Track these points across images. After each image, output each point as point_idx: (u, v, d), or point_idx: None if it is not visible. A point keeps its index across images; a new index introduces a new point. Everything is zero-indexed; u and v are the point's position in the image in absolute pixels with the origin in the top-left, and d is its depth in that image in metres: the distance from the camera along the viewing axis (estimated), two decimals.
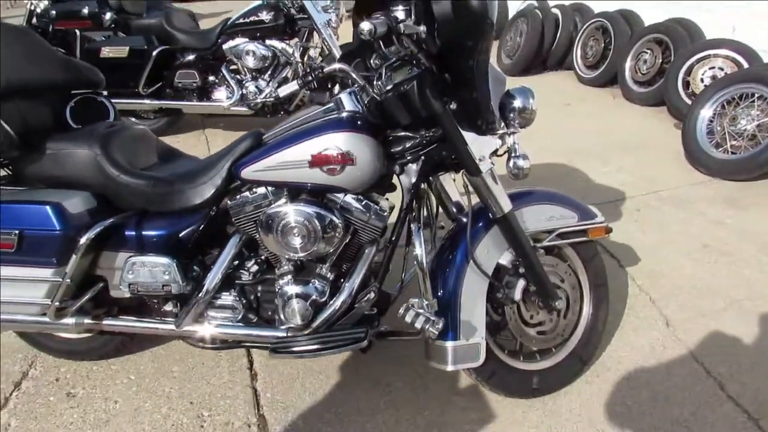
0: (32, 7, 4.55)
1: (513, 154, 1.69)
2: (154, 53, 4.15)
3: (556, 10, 5.90)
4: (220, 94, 4.32)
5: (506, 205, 1.74)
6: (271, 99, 4.20)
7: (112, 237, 1.86)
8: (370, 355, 2.07)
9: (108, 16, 4.19)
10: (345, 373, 2.12)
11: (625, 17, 5.27)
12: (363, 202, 1.77)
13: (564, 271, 1.95)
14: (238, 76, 4.28)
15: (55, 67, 2.07)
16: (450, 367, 1.76)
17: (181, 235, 1.86)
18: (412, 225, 1.75)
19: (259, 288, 1.93)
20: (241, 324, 1.91)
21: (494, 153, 1.71)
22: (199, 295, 1.84)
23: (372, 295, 1.79)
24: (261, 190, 1.79)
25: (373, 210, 1.78)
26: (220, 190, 1.81)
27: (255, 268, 1.91)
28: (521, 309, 1.90)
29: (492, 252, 1.81)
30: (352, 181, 1.68)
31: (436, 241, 1.97)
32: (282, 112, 4.34)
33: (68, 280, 1.76)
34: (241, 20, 4.19)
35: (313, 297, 1.82)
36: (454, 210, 1.89)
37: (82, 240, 1.74)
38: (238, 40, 4.18)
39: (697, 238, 2.86)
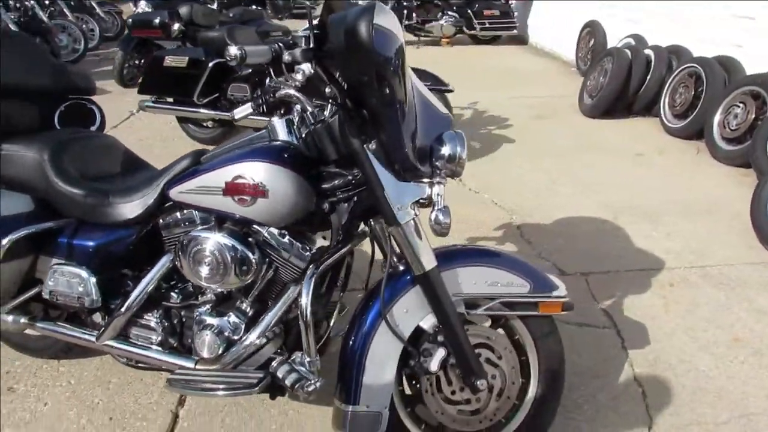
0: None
1: (435, 207, 1.49)
2: (210, 65, 4.27)
3: (649, 51, 5.43)
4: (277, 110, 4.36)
5: (428, 263, 1.54)
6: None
7: (49, 243, 1.87)
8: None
9: (176, 26, 4.38)
10: (270, 415, 1.99)
11: (723, 64, 4.73)
12: (285, 238, 1.66)
13: (503, 347, 1.69)
14: None
15: (46, 73, 2.16)
16: None
17: (110, 248, 1.83)
18: (308, 269, 1.60)
19: (183, 313, 1.85)
20: (156, 347, 1.83)
21: (418, 203, 1.52)
22: (120, 310, 1.79)
23: (273, 336, 1.66)
24: (190, 212, 1.73)
25: (295, 248, 1.66)
26: (152, 208, 1.76)
27: (183, 292, 1.85)
28: (441, 382, 1.67)
29: (412, 313, 1.61)
30: (265, 214, 1.57)
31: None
32: None
33: None
34: (292, 35, 4.22)
35: (227, 331, 1.72)
36: (394, 259, 1.71)
37: (3, 241, 1.75)
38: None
39: (729, 328, 2.42)
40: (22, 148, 1.88)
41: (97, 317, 1.92)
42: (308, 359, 1.54)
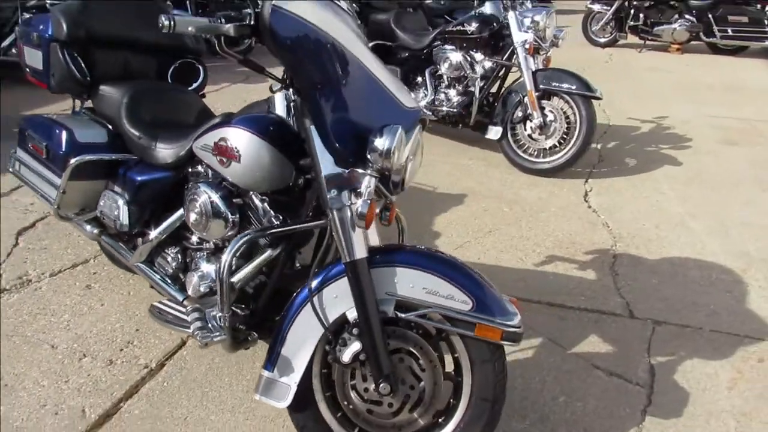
0: None
1: (360, 198, 1.47)
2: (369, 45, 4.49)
3: None
4: (417, 94, 4.45)
5: (358, 252, 1.53)
6: (454, 110, 4.17)
7: (113, 172, 2.24)
8: None
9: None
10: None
11: None
12: (264, 204, 1.80)
13: (429, 360, 1.60)
14: (437, 82, 4.35)
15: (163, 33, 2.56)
16: (256, 396, 1.65)
17: (149, 185, 2.12)
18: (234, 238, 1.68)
19: (191, 254, 2.09)
20: (164, 278, 2.10)
21: (354, 192, 1.52)
22: (148, 239, 2.10)
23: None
24: (205, 166, 1.95)
25: (267, 216, 1.79)
26: (183, 158, 2.01)
27: (194, 236, 2.08)
28: (356, 376, 1.64)
29: (341, 300, 1.60)
30: (238, 177, 1.72)
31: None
32: (461, 125, 4.26)
33: (62, 191, 2.20)
34: (452, 27, 4.22)
35: (209, 278, 1.91)
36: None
37: (72, 161, 2.14)
38: (447, 47, 4.23)
39: None
40: (114, 91, 2.26)
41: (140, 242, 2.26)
42: (219, 314, 1.65)
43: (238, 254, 1.64)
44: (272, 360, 1.64)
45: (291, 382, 1.62)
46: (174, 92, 2.41)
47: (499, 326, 1.52)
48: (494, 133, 4.00)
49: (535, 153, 3.95)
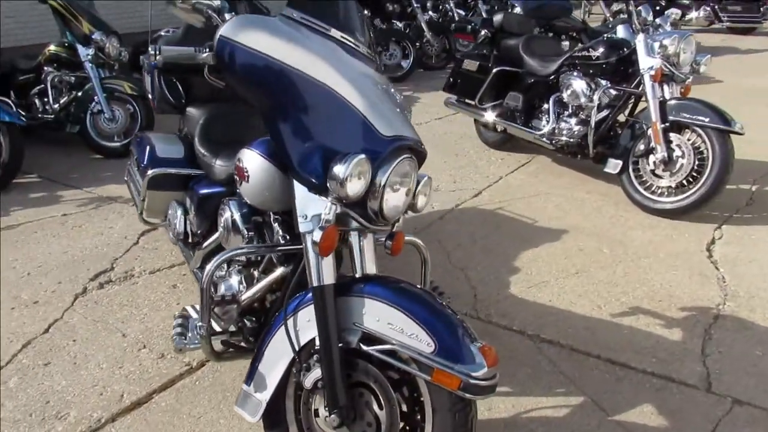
0: None
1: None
2: (494, 71, 4.40)
3: None
4: (539, 122, 4.25)
5: (325, 278, 1.54)
6: (572, 140, 3.90)
7: (185, 185, 2.49)
8: None
9: (483, 32, 4.62)
10: None
11: None
12: (275, 223, 1.89)
13: (388, 399, 1.53)
14: (560, 109, 4.11)
15: None
16: (235, 407, 1.72)
17: (207, 199, 2.33)
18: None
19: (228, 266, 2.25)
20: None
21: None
22: (202, 246, 2.31)
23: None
24: None
25: (275, 233, 1.88)
26: (233, 175, 2.19)
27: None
28: (318, 404, 1.62)
29: (313, 324, 1.61)
30: (248, 196, 1.83)
31: None
32: (579, 156, 3.97)
33: (142, 199, 2.51)
34: (578, 53, 3.97)
35: (232, 288, 2.05)
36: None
37: (149, 172, 2.43)
38: (574, 73, 3.99)
39: None
40: (196, 112, 2.54)
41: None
42: (198, 323, 1.75)
43: (219, 268, 1.74)
44: (251, 375, 1.69)
45: (262, 399, 1.67)
46: (248, 113, 2.61)
47: (457, 374, 1.41)
48: (613, 166, 3.66)
49: (659, 191, 3.53)
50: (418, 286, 1.65)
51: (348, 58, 1.63)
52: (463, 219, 3.60)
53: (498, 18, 4.72)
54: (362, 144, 1.50)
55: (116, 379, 2.22)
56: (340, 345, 1.53)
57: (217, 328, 1.95)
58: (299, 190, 1.56)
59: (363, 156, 1.44)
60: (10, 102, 4.48)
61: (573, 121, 3.99)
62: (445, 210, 3.72)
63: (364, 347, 1.54)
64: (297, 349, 1.61)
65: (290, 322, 1.62)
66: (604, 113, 3.80)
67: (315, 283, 1.54)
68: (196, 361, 2.32)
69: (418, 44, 8.17)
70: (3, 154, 4.06)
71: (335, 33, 1.63)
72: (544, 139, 4.07)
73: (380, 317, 1.52)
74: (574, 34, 5.76)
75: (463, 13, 9.30)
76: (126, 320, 2.59)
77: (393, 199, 1.58)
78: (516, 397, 2.12)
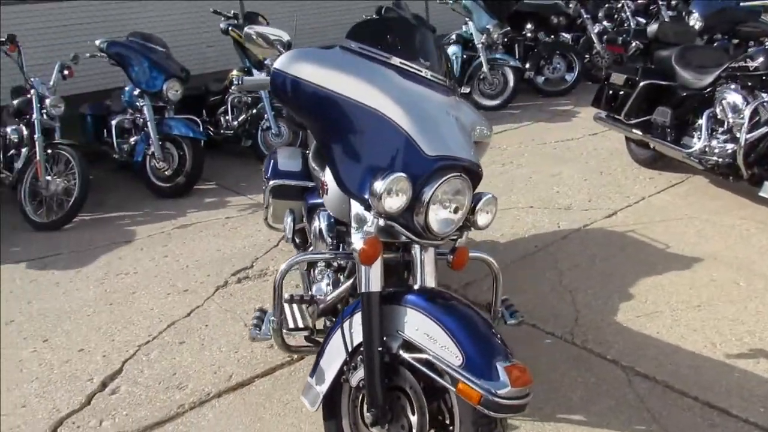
0: None
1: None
2: (641, 84, 4.13)
3: None
4: (690, 139, 3.90)
5: (372, 286, 1.68)
6: (722, 160, 3.54)
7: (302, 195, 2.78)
8: None
9: (633, 44, 4.37)
10: None
11: None
12: (344, 230, 2.10)
13: (419, 406, 1.61)
14: (714, 126, 3.75)
15: None
16: (301, 396, 1.92)
17: (311, 208, 2.59)
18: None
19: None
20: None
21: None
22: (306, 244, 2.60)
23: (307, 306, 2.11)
24: None
25: (346, 241, 2.08)
26: None
27: None
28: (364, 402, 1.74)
29: None
30: (329, 206, 2.08)
31: None
32: (731, 178, 3.57)
33: (265, 206, 2.85)
34: (736, 63, 3.59)
35: (319, 290, 2.26)
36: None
37: (270, 183, 2.75)
38: (731, 86, 3.63)
39: None
40: None
41: None
42: (271, 318, 1.96)
43: (290, 270, 1.94)
44: (314, 368, 1.88)
45: (320, 391, 1.84)
46: None
47: (478, 389, 1.47)
48: (767, 190, 3.25)
49: None
50: (465, 302, 1.71)
51: (404, 82, 1.74)
52: (587, 240, 3.46)
53: (653, 28, 4.45)
54: (404, 162, 1.61)
55: (230, 361, 2.57)
56: (380, 349, 1.65)
57: (301, 324, 2.18)
58: (354, 205, 1.73)
59: (401, 174, 1.56)
60: (197, 120, 5.25)
61: (726, 138, 3.61)
62: (571, 229, 3.61)
63: (403, 354, 1.64)
64: (349, 349, 1.76)
65: (346, 323, 1.78)
66: (764, 130, 3.39)
67: (362, 290, 1.68)
68: (296, 354, 2.59)
69: (587, 56, 7.86)
70: (186, 165, 4.80)
71: (395, 60, 1.75)
72: (693, 158, 3.75)
73: (419, 327, 1.61)
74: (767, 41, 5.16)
75: (643, 21, 8.72)
76: (250, 312, 2.96)
77: (440, 216, 1.67)
78: (589, 427, 2.05)
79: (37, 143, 4.40)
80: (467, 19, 6.88)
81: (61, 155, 4.50)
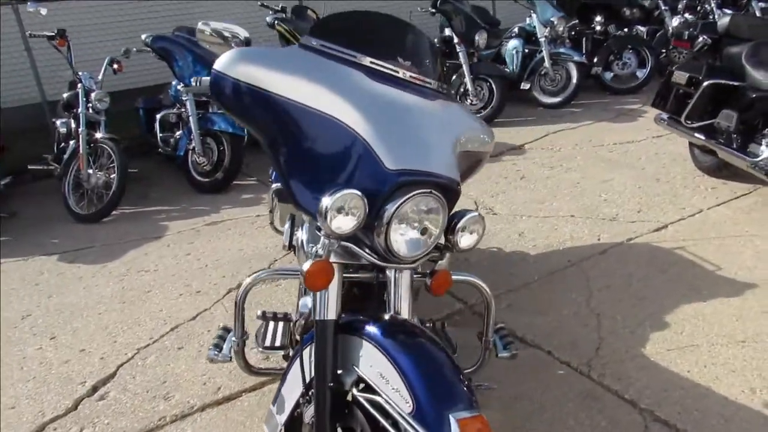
0: None
1: None
2: (704, 84, 3.70)
3: None
4: (758, 147, 3.46)
5: (328, 313, 1.52)
6: None
7: None
8: None
9: (700, 39, 3.95)
10: None
11: None
12: None
13: None
14: None
15: None
16: (263, 423, 1.78)
17: None
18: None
19: None
20: None
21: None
22: None
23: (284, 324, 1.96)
24: None
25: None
26: None
27: None
28: None
29: None
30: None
31: None
32: None
33: (269, 210, 2.73)
34: None
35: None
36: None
37: (272, 186, 2.63)
38: None
39: None
40: None
41: None
42: (233, 339, 1.82)
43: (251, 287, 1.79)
44: (276, 395, 1.74)
45: (280, 421, 1.70)
46: None
47: None
48: None
49: None
50: (432, 337, 1.51)
51: (372, 85, 1.54)
52: (628, 256, 3.13)
53: (724, 21, 3.99)
54: (360, 177, 1.43)
55: (222, 372, 2.47)
56: (332, 385, 1.49)
57: (278, 343, 2.03)
58: (308, 221, 1.56)
59: (352, 191, 1.37)
60: None
61: None
62: (612, 243, 3.28)
63: (356, 392, 1.47)
64: (306, 380, 1.60)
65: (306, 351, 1.62)
66: None
67: (316, 317, 1.52)
68: None
69: (663, 51, 7.30)
70: (225, 161, 4.78)
71: (363, 59, 1.56)
72: (759, 168, 3.32)
73: (374, 364, 1.44)
74: None
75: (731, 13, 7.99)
76: (253, 318, 2.85)
77: (404, 236, 1.47)
78: None
79: (81, 136, 4.51)
80: (531, 11, 6.55)
81: (104, 149, 4.59)
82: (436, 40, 6.56)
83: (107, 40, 6.00)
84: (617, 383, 2.19)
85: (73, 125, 4.76)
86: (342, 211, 1.38)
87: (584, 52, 6.87)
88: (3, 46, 5.87)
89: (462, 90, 6.08)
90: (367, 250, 1.52)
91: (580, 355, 2.36)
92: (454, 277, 1.72)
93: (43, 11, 4.71)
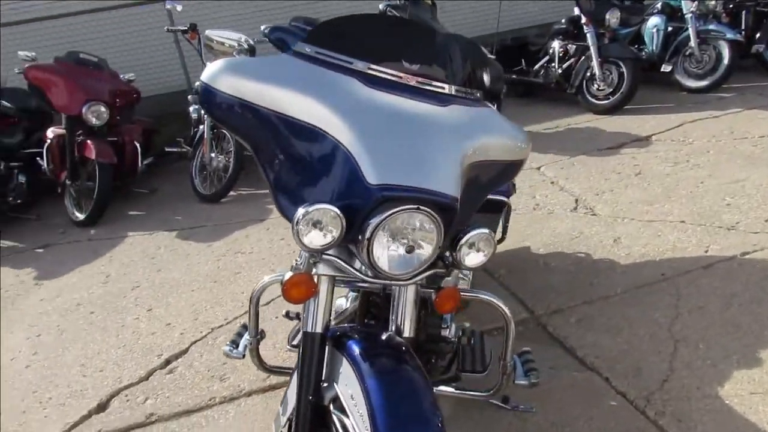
0: None
1: None
2: None
3: None
4: None
5: (316, 326, 1.52)
6: None
7: None
8: None
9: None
10: None
11: None
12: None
13: None
14: None
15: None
16: (273, 422, 1.83)
17: None
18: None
19: None
20: None
21: None
22: None
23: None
24: None
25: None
26: None
27: None
28: None
29: None
30: None
31: None
32: None
33: None
34: None
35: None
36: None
37: None
38: None
39: None
40: None
41: None
42: (247, 336, 1.86)
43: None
44: (283, 396, 1.78)
45: (283, 422, 1.73)
46: None
47: None
48: None
49: None
50: (415, 362, 1.44)
51: (368, 93, 1.47)
52: (736, 274, 2.72)
53: None
54: (341, 190, 1.38)
55: (275, 360, 2.57)
56: (311, 398, 1.49)
57: (296, 342, 2.08)
58: None
59: (325, 206, 1.33)
60: None
61: None
62: (721, 257, 2.87)
63: (332, 408, 1.46)
64: None
65: None
66: None
67: (304, 328, 1.52)
68: None
69: None
70: None
71: (359, 65, 1.49)
72: None
73: (348, 383, 1.41)
74: None
75: None
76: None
77: (390, 253, 1.41)
78: None
79: (206, 122, 4.90)
80: None
81: (225, 134, 4.94)
82: (563, 20, 6.14)
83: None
84: (675, 425, 1.92)
85: (201, 111, 5.17)
86: (318, 225, 1.36)
87: (743, 27, 6.00)
88: (156, 38, 6.54)
89: (588, 74, 5.63)
90: (356, 266, 1.49)
91: (641, 386, 2.11)
92: (466, 294, 1.63)
93: (179, 7, 5.15)
